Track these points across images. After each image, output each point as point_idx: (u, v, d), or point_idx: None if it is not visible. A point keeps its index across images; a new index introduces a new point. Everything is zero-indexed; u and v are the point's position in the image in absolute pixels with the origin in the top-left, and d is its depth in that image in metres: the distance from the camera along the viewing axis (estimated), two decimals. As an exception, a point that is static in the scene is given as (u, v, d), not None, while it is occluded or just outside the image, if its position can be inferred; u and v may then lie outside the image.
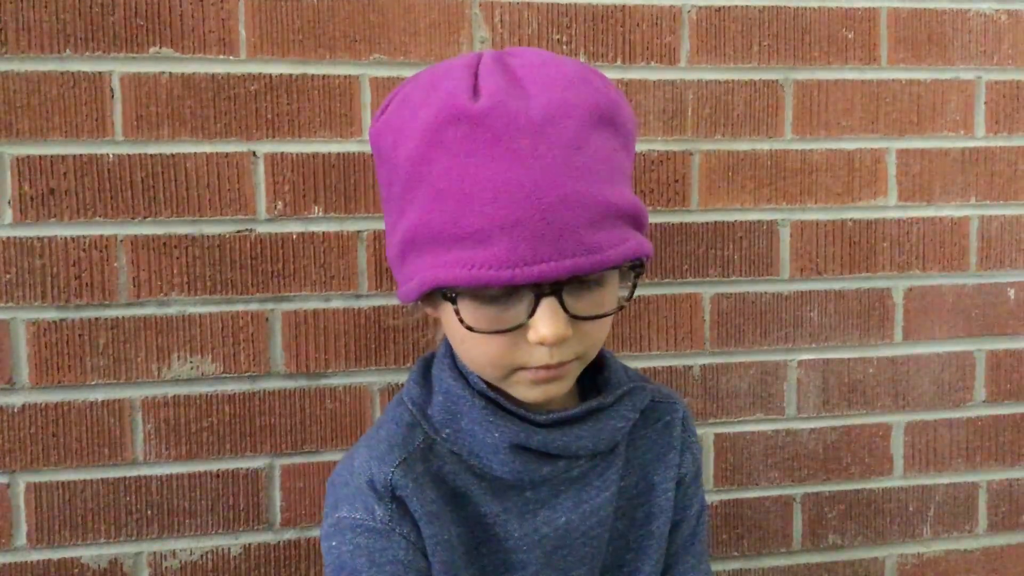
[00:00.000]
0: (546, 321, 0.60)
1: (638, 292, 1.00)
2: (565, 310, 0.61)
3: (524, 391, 0.66)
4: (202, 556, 0.94)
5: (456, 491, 0.69)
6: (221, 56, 0.91)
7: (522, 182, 0.58)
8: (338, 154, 0.93)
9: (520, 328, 0.62)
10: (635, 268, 0.66)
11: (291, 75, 0.92)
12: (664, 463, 0.75)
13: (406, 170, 0.63)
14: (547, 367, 0.64)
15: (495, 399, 0.68)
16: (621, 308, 0.67)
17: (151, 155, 0.90)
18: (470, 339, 0.64)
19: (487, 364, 0.66)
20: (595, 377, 0.74)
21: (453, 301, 0.62)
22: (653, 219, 1.00)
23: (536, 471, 0.68)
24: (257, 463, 0.94)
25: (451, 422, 0.69)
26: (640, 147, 0.99)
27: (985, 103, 1.07)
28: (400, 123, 0.64)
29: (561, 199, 0.58)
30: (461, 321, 0.62)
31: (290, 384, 0.94)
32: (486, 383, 0.69)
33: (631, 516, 0.74)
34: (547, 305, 0.61)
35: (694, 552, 0.77)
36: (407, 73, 0.93)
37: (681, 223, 1.01)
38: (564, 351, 0.63)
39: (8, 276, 0.88)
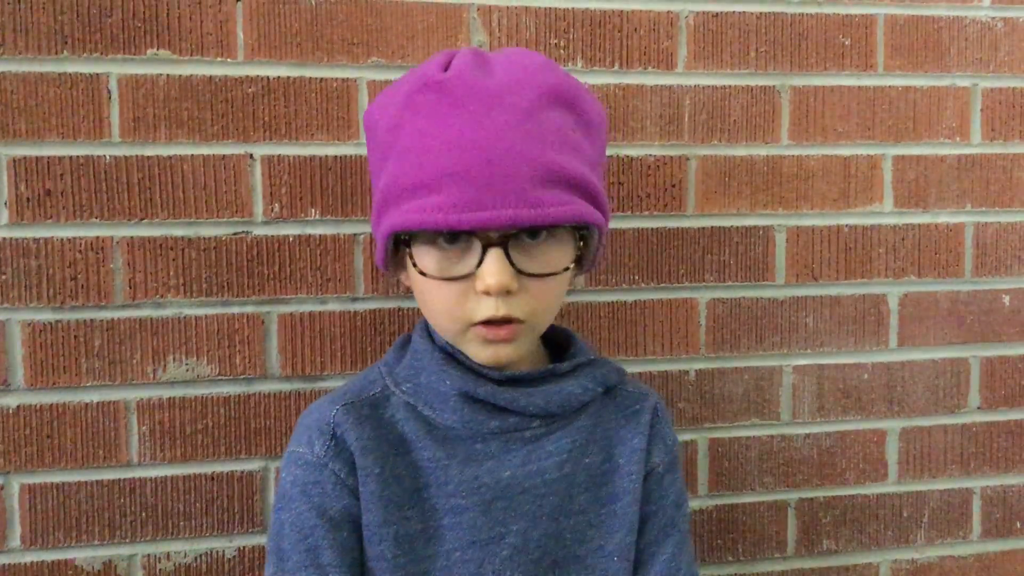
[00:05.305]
0: (491, 270, 0.65)
1: (634, 296, 1.01)
2: (511, 263, 0.66)
3: (476, 350, 0.70)
4: (196, 558, 0.94)
5: (402, 437, 0.73)
6: (219, 58, 0.91)
7: (473, 138, 0.64)
8: (335, 157, 0.93)
9: (469, 278, 0.67)
10: (581, 233, 0.71)
11: (289, 78, 0.92)
12: (629, 446, 0.77)
13: (384, 137, 0.70)
14: (495, 323, 0.68)
15: (452, 353, 0.73)
16: (566, 270, 0.70)
17: (148, 157, 0.90)
18: (428, 291, 0.70)
19: (444, 315, 0.70)
20: (563, 356, 0.78)
21: (408, 244, 0.68)
22: (650, 224, 1.00)
23: (484, 423, 0.72)
24: (252, 466, 0.94)
25: (413, 377, 0.74)
26: (636, 152, 1.00)
27: (981, 110, 1.07)
28: (385, 100, 0.72)
29: (507, 154, 0.64)
30: (415, 265, 0.68)
31: (286, 387, 0.94)
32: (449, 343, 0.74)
33: (595, 493, 0.75)
34: (493, 255, 0.65)
35: (673, 541, 0.77)
36: (405, 77, 0.93)
37: (677, 228, 1.01)
38: (511, 306, 0.67)
39: (4, 277, 0.88)
